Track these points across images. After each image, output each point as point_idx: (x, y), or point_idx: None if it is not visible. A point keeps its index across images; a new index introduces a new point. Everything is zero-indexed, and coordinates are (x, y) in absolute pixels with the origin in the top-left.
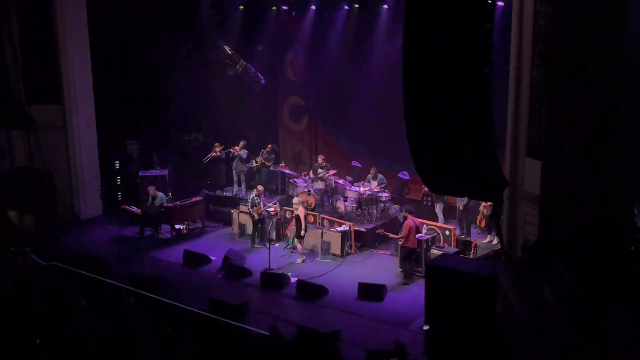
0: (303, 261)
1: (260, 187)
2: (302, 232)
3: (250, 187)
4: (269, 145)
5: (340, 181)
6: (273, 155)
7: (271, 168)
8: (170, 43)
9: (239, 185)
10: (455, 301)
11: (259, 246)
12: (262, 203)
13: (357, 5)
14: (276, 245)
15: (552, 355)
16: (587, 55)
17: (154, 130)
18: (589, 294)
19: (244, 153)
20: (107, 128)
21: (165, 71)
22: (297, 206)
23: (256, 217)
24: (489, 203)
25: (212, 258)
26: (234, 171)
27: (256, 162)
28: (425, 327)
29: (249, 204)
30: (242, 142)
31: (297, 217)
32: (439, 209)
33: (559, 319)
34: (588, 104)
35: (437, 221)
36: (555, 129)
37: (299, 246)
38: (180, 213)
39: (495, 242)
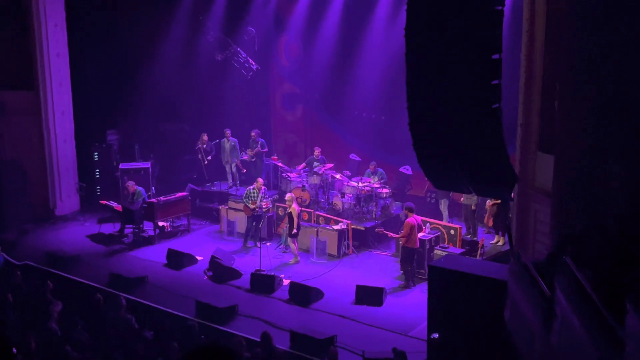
0: (297, 262)
1: (260, 180)
2: (295, 231)
3: (242, 182)
4: (253, 133)
5: (337, 176)
6: (262, 140)
7: (265, 153)
8: (153, 25)
9: (232, 179)
10: (460, 306)
11: (251, 246)
12: (260, 197)
13: None
14: (267, 244)
15: None
16: (605, 41)
17: (135, 119)
18: (605, 298)
19: (232, 142)
20: (85, 117)
21: (148, 56)
22: (289, 203)
23: (251, 207)
24: (494, 200)
25: (198, 258)
26: (225, 165)
27: (249, 155)
28: (434, 335)
29: (244, 197)
30: (227, 132)
31: (290, 215)
32: (443, 206)
33: (572, 326)
34: (604, 94)
35: (441, 219)
36: (570, 121)
37: (292, 246)
38: (164, 209)
39: (501, 243)
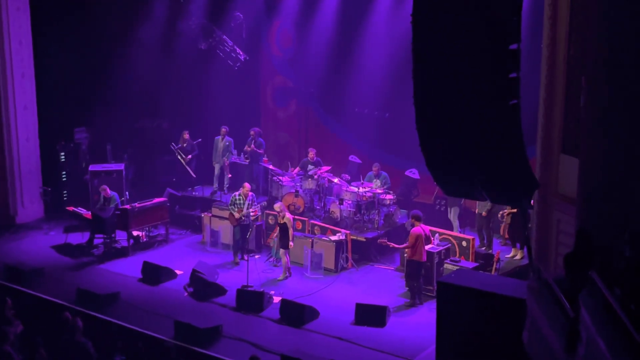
0: (286, 277)
1: (247, 185)
2: (290, 243)
3: (230, 187)
4: (252, 131)
5: (335, 180)
6: (261, 140)
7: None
8: (128, 10)
9: (219, 183)
10: (472, 327)
11: (239, 259)
12: (247, 205)
13: None
14: (256, 257)
15: None
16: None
17: (107, 115)
18: (636, 320)
19: (227, 142)
20: (51, 112)
21: (122, 44)
22: (282, 213)
23: (238, 217)
24: (510, 209)
25: (178, 272)
26: (215, 166)
27: (245, 154)
28: None
29: (230, 204)
30: (223, 129)
31: (285, 226)
32: (454, 214)
33: (598, 350)
34: (638, 88)
35: (451, 229)
36: (597, 119)
37: (284, 259)
38: (139, 217)
39: (519, 256)
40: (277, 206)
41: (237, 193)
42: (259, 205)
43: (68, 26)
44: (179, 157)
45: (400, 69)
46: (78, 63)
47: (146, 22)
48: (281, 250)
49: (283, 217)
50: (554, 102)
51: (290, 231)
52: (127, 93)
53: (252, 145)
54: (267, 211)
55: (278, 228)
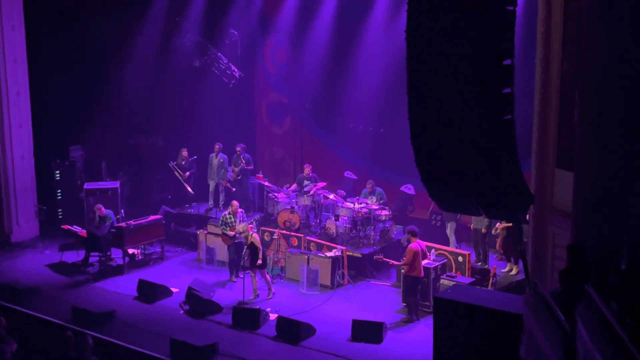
0: (256, 297)
1: (235, 203)
2: (260, 262)
3: (226, 204)
4: (238, 148)
5: (331, 196)
6: (248, 156)
7: (250, 171)
8: (123, 28)
9: (214, 200)
10: (470, 342)
11: (236, 278)
12: (238, 222)
13: None
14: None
15: None
16: (632, 41)
17: (102, 133)
18: (632, 334)
19: (222, 159)
20: (46, 130)
21: (117, 62)
22: (246, 234)
23: (231, 235)
24: (505, 223)
25: (173, 290)
26: (210, 183)
27: (235, 173)
28: None
29: (220, 224)
30: (217, 146)
31: (252, 246)
32: (450, 230)
33: None
34: (631, 103)
35: (448, 245)
36: (591, 134)
37: (266, 277)
38: (135, 235)
39: (514, 271)
40: (240, 227)
41: (226, 212)
42: (253, 220)
43: (63, 44)
44: (177, 175)
45: (395, 85)
46: (73, 81)
47: (141, 40)
48: (251, 272)
49: (250, 236)
50: (548, 117)
51: (261, 250)
52: (122, 110)
53: (242, 162)
54: (263, 227)
55: (249, 250)
